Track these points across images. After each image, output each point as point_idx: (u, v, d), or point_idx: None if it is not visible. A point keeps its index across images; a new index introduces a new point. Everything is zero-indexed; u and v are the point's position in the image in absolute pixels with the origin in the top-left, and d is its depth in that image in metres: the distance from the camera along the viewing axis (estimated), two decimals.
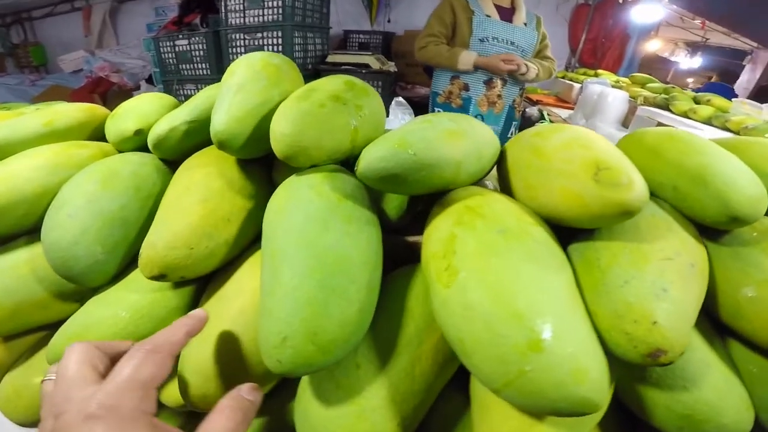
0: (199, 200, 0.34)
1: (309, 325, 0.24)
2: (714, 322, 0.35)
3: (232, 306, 0.32)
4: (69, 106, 0.53)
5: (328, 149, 0.33)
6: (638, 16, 3.10)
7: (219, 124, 0.34)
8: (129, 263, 0.39)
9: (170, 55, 1.83)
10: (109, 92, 2.59)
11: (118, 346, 0.27)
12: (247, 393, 0.27)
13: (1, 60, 3.52)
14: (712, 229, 0.35)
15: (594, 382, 0.23)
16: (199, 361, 0.31)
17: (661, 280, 0.28)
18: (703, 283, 0.32)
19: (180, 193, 0.35)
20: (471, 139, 0.34)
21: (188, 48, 1.76)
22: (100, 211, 0.36)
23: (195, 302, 0.37)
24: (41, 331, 0.44)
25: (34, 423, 0.40)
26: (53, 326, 0.42)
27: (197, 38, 1.73)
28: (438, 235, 0.30)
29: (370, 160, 0.29)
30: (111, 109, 0.53)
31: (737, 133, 1.55)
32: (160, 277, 0.31)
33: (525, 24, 1.55)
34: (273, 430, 0.38)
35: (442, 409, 0.33)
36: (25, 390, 0.40)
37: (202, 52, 1.75)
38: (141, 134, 0.43)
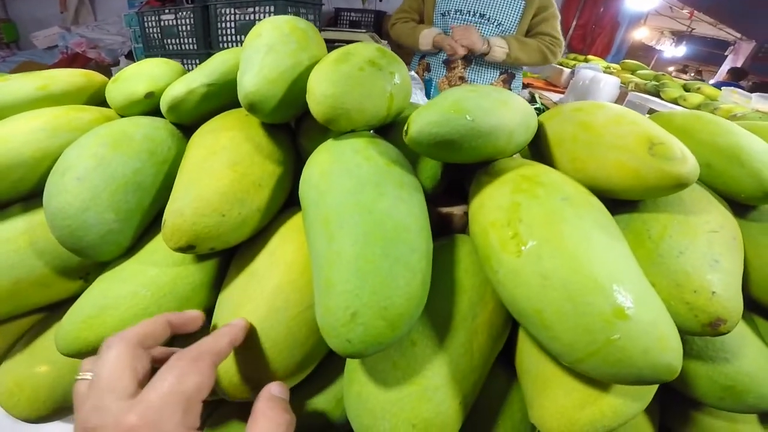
0: (228, 164, 0.31)
1: (379, 298, 0.22)
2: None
3: (267, 283, 0.30)
4: (64, 71, 0.48)
5: (368, 113, 0.31)
6: (632, 3, 3.13)
7: (251, 85, 0.31)
8: (142, 234, 0.35)
9: (155, 29, 1.74)
10: (85, 68, 2.47)
11: (163, 348, 0.25)
12: (278, 391, 0.26)
13: None
14: (740, 205, 0.36)
15: (675, 348, 0.23)
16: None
17: (712, 252, 0.29)
18: (742, 256, 0.33)
19: (205, 157, 0.31)
20: (518, 110, 0.33)
21: (175, 22, 1.68)
22: (113, 175, 0.32)
23: (221, 277, 0.34)
24: (38, 313, 0.40)
25: (39, 418, 0.36)
26: (52, 307, 0.39)
27: (185, 12, 1.65)
28: (496, 204, 0.28)
29: (423, 124, 0.27)
30: None
31: None
32: (187, 249, 0.28)
33: None
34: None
35: (487, 386, 0.32)
36: (28, 381, 0.35)
37: (189, 27, 1.67)
38: (152, 97, 0.40)
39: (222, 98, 0.39)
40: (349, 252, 0.23)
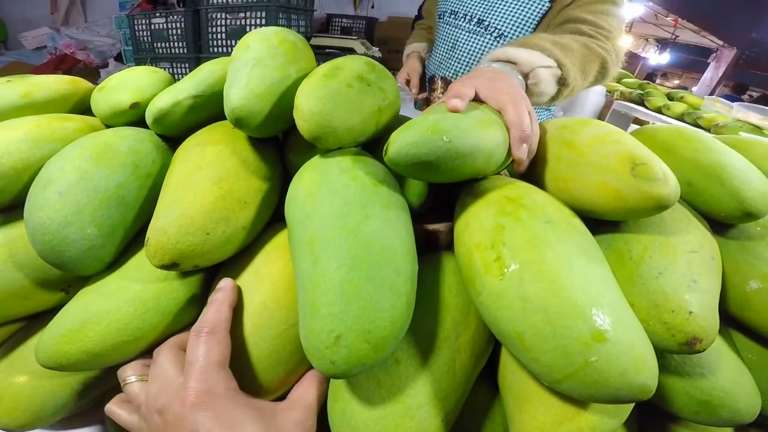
0: (213, 180, 0.31)
1: (362, 321, 0.23)
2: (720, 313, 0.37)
3: (252, 300, 0.30)
4: (48, 78, 0.48)
5: (356, 131, 0.32)
6: None
7: (237, 100, 0.31)
8: (124, 249, 0.35)
9: (145, 33, 1.73)
10: (74, 70, 2.43)
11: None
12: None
13: None
14: (719, 224, 0.37)
15: (651, 369, 0.23)
16: None
17: (690, 272, 0.29)
18: (720, 275, 0.34)
19: (190, 172, 0.31)
20: (500, 129, 0.33)
21: (165, 26, 1.67)
22: (95, 189, 0.31)
23: (205, 292, 0.33)
24: (17, 323, 0.39)
25: (18, 427, 0.35)
26: (32, 317, 0.38)
27: (175, 16, 1.64)
28: (480, 225, 0.29)
29: (401, 145, 0.28)
30: None
31: (708, 129, 1.63)
32: (171, 266, 0.28)
33: None
34: None
35: (471, 402, 0.32)
36: (7, 391, 0.35)
37: (179, 31, 1.67)
38: (138, 108, 0.39)
39: (209, 110, 0.39)
40: (334, 276, 0.24)
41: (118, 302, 0.30)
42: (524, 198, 0.29)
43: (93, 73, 2.38)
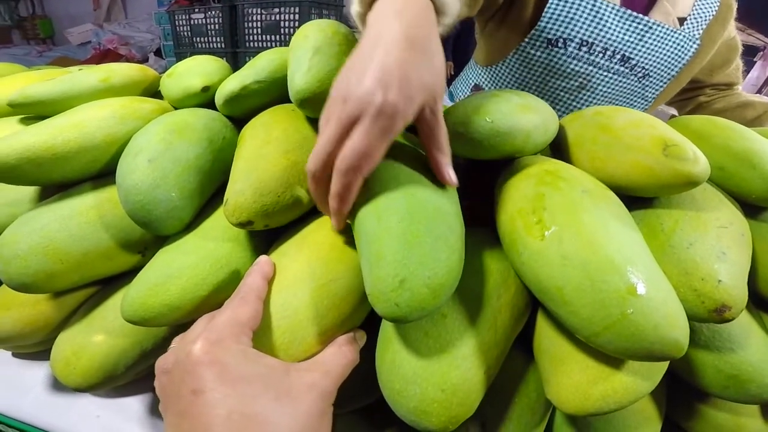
0: (281, 152, 0.34)
1: (423, 268, 0.25)
2: (750, 294, 0.37)
3: (296, 258, 0.33)
4: (122, 65, 0.53)
5: None
6: None
7: (302, 83, 0.35)
8: (199, 213, 0.39)
9: (185, 28, 1.81)
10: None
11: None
12: (360, 337, 0.32)
13: (8, 32, 3.47)
14: (751, 207, 0.39)
15: (682, 326, 0.25)
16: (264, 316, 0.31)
17: (720, 245, 0.31)
18: (750, 252, 0.35)
19: (260, 146, 0.35)
20: (538, 114, 0.36)
21: (204, 21, 1.75)
22: (178, 158, 0.36)
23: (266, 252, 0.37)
24: (91, 287, 0.44)
25: (90, 387, 0.38)
26: (104, 282, 0.43)
27: (214, 12, 1.72)
28: (522, 194, 0.32)
29: (450, 124, 0.31)
30: None
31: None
32: (246, 224, 0.32)
33: (682, 21, 0.72)
34: None
35: (507, 368, 0.35)
36: (85, 350, 0.38)
37: (217, 26, 1.74)
38: (208, 91, 0.44)
39: (270, 94, 0.43)
40: (397, 228, 0.26)
41: (196, 259, 0.34)
42: (562, 171, 0.32)
43: None
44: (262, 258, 0.32)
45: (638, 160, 0.32)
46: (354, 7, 0.34)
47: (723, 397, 0.34)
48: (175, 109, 0.47)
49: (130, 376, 0.41)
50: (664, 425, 0.39)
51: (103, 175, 0.41)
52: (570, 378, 0.29)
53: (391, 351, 0.31)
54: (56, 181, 0.40)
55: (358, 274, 0.31)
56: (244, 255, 0.36)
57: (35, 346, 0.46)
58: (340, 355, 0.29)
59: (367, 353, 0.33)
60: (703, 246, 0.30)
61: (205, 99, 0.45)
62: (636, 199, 0.35)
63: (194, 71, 0.46)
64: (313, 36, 0.40)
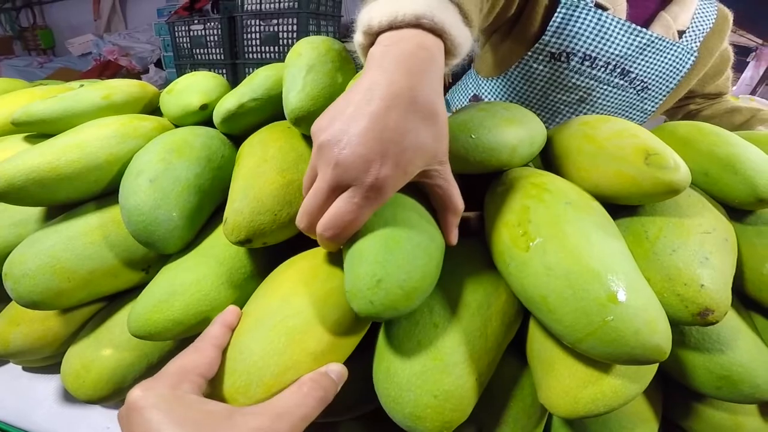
0: (277, 171, 0.36)
1: (400, 271, 0.26)
2: (740, 296, 0.38)
3: (263, 301, 0.33)
4: (122, 82, 0.54)
5: None
6: None
7: (296, 102, 0.37)
8: (200, 231, 0.40)
9: (185, 39, 1.83)
10: (117, 75, 2.59)
11: None
12: (334, 373, 0.29)
13: (9, 42, 3.51)
14: (738, 211, 0.39)
15: (663, 331, 0.26)
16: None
17: (703, 250, 0.32)
18: (734, 256, 0.36)
19: (257, 164, 0.37)
20: (523, 127, 0.37)
21: (203, 33, 1.77)
22: (178, 178, 0.37)
23: (269, 269, 0.37)
24: (98, 303, 0.45)
25: (100, 399, 0.39)
26: (111, 298, 0.44)
27: (212, 23, 1.74)
28: (509, 207, 0.33)
29: None
30: None
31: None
32: (245, 242, 0.33)
33: (680, 34, 0.72)
34: None
35: (502, 373, 0.36)
36: (94, 364, 0.39)
37: (216, 37, 1.76)
38: (206, 109, 0.45)
39: (266, 111, 0.44)
40: (381, 232, 0.28)
41: (199, 276, 0.35)
42: (548, 184, 0.33)
43: (135, 78, 2.52)
44: (230, 307, 0.32)
45: (621, 169, 0.33)
46: (357, 37, 0.32)
47: (717, 397, 0.35)
48: (175, 126, 0.48)
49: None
50: (664, 425, 0.39)
51: (107, 194, 0.43)
52: (560, 382, 0.30)
53: (387, 360, 0.32)
54: (61, 201, 0.42)
55: (324, 306, 0.31)
56: (246, 270, 0.37)
57: (45, 360, 0.47)
58: (299, 395, 0.27)
59: (366, 363, 0.34)
60: (686, 252, 0.31)
61: (203, 117, 0.46)
62: (622, 207, 0.36)
63: (193, 88, 0.47)
64: (306, 54, 0.42)
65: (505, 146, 0.34)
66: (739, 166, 0.37)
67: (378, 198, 0.26)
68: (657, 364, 0.32)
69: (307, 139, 0.41)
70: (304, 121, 0.37)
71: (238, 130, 0.44)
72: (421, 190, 0.32)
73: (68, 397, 0.46)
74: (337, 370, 0.29)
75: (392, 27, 0.28)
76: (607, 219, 0.32)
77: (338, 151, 0.24)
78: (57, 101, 0.48)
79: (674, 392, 0.39)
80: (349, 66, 0.45)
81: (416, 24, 0.28)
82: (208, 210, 0.40)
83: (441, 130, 0.27)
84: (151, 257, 0.42)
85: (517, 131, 0.36)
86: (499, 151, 0.34)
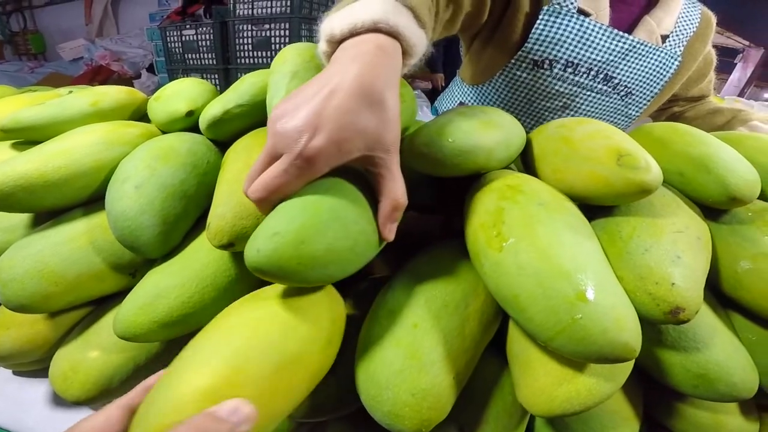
0: None
1: (303, 235, 0.26)
2: (716, 294, 0.39)
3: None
4: (110, 89, 0.55)
5: None
6: None
7: None
8: (186, 236, 0.41)
9: (177, 44, 1.83)
10: (109, 80, 2.59)
11: None
12: (229, 414, 0.22)
13: (0, 47, 3.49)
14: (713, 210, 0.40)
15: (632, 329, 0.27)
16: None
17: (675, 249, 0.32)
18: (707, 255, 0.36)
19: (241, 170, 0.37)
20: (501, 130, 0.38)
21: (195, 38, 1.77)
22: (163, 184, 0.38)
23: (251, 275, 0.38)
24: (86, 307, 0.46)
25: (88, 400, 0.40)
26: (99, 302, 0.44)
27: (204, 28, 1.74)
28: (484, 209, 0.34)
29: (415, 145, 0.34)
30: None
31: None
32: (228, 246, 0.34)
33: (664, 38, 0.72)
34: None
35: (483, 372, 0.37)
36: (81, 365, 0.40)
37: (208, 42, 1.76)
38: (192, 115, 0.46)
39: (252, 117, 0.45)
40: (306, 198, 0.28)
41: (183, 279, 0.36)
42: (522, 186, 0.34)
43: (127, 84, 2.50)
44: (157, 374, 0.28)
45: (594, 170, 0.34)
46: (321, 46, 0.35)
47: (694, 396, 0.35)
48: (163, 132, 0.49)
49: (127, 390, 0.42)
50: (648, 424, 0.40)
51: (94, 200, 0.43)
52: (536, 381, 0.31)
53: (367, 359, 0.33)
54: (49, 207, 0.42)
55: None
56: (230, 274, 0.37)
57: (34, 364, 0.47)
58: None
59: (348, 364, 0.34)
60: (658, 251, 0.32)
61: (190, 123, 0.47)
62: (598, 207, 0.37)
63: (180, 95, 0.48)
64: (290, 60, 0.42)
65: (482, 149, 0.35)
66: (712, 165, 0.38)
67: (308, 168, 0.27)
68: (632, 363, 0.32)
69: None
70: None
71: (224, 135, 0.45)
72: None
73: (59, 400, 0.46)
74: (232, 407, 0.22)
75: (353, 34, 0.31)
76: (581, 219, 0.33)
77: (278, 125, 0.27)
78: (45, 108, 0.49)
79: (656, 391, 0.39)
80: None
81: (374, 29, 0.31)
82: (193, 215, 0.41)
83: (388, 118, 0.29)
84: (137, 261, 0.42)
85: (493, 134, 0.36)
86: (476, 155, 0.35)
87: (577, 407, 0.29)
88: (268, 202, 0.28)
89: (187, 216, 0.40)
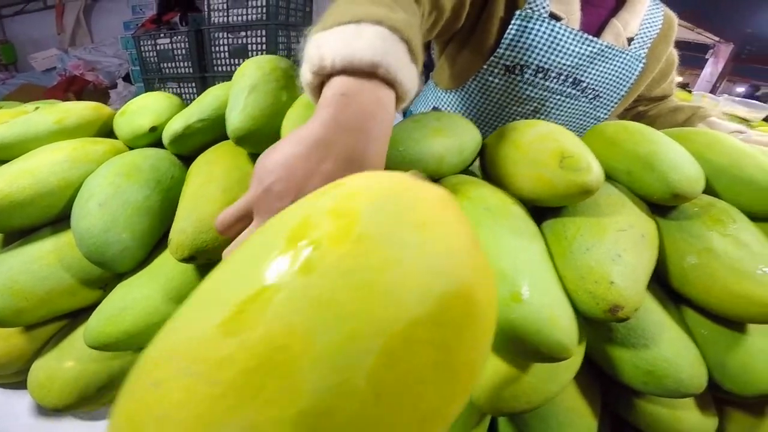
0: (221, 190, 0.38)
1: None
2: (669, 290, 0.40)
3: None
4: (77, 105, 0.55)
5: None
6: None
7: (237, 122, 0.38)
8: (153, 250, 0.42)
9: (151, 53, 1.81)
10: (84, 90, 2.53)
11: None
12: None
13: None
14: (663, 207, 0.41)
15: (566, 328, 0.28)
16: None
17: (616, 248, 0.33)
18: (653, 251, 0.37)
19: (202, 184, 0.38)
20: (453, 137, 0.39)
21: (170, 46, 1.75)
22: (127, 201, 0.39)
23: None
24: (61, 320, 0.46)
25: (67, 407, 0.41)
26: (74, 315, 0.45)
27: (179, 37, 1.73)
28: None
29: None
30: None
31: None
32: (190, 259, 0.35)
33: (629, 41, 0.73)
34: None
35: None
36: (58, 374, 0.41)
37: (184, 51, 1.75)
38: (156, 131, 0.47)
39: (215, 131, 0.46)
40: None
41: (149, 291, 0.37)
42: (470, 191, 0.36)
43: (103, 94, 2.46)
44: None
45: (540, 173, 0.35)
46: (305, 75, 0.30)
47: (646, 392, 0.35)
48: (129, 148, 0.50)
49: (106, 398, 0.43)
50: (613, 419, 0.41)
51: (61, 219, 0.44)
52: (486, 379, 0.32)
53: None
54: (16, 227, 0.43)
55: None
56: (193, 287, 0.38)
57: (14, 377, 0.48)
58: None
59: None
60: (599, 250, 0.33)
61: (154, 138, 0.47)
62: (548, 209, 0.39)
63: (144, 110, 0.49)
64: (250, 74, 0.43)
65: (432, 156, 0.36)
66: (657, 163, 0.39)
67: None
68: (577, 362, 0.34)
69: (253, 157, 0.43)
70: (245, 141, 0.39)
71: (188, 150, 0.46)
72: None
73: (42, 410, 0.46)
74: None
75: (346, 71, 0.28)
76: (526, 222, 0.35)
77: (266, 184, 0.27)
78: (9, 127, 0.49)
79: (618, 387, 0.39)
80: (295, 84, 0.47)
81: (372, 73, 0.28)
82: (159, 230, 0.42)
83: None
84: (107, 276, 0.43)
85: (444, 141, 0.38)
86: (426, 162, 0.36)
87: (525, 405, 0.31)
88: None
89: (152, 231, 0.41)
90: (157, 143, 0.49)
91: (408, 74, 0.30)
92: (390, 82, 0.29)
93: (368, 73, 0.28)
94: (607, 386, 0.41)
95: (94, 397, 0.42)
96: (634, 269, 0.33)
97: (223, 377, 0.10)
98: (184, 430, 0.10)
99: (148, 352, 0.13)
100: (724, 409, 0.41)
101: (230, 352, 0.10)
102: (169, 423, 0.11)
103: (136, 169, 0.41)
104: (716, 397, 0.40)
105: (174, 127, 0.44)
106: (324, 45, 0.29)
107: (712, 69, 4.28)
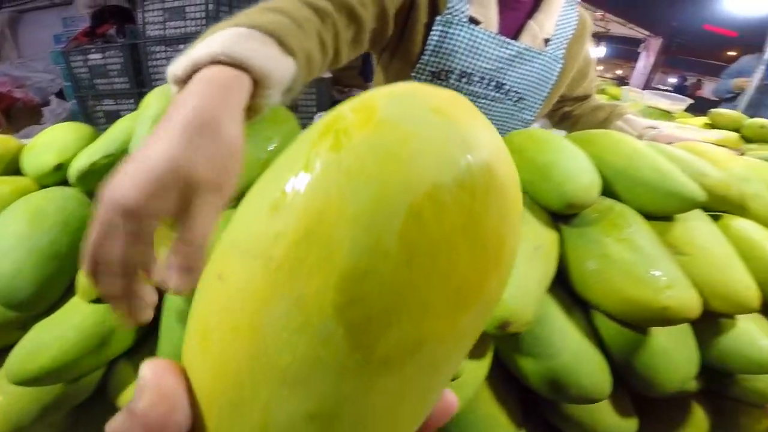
0: None
1: None
2: (573, 295, 0.41)
3: None
4: None
5: (241, 185, 0.38)
6: None
7: None
8: (68, 289, 0.41)
9: (83, 69, 1.71)
10: (13, 109, 2.36)
11: None
12: None
13: None
14: (566, 215, 0.42)
15: None
16: None
17: None
18: (549, 262, 0.38)
19: None
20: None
21: (103, 62, 1.67)
22: (32, 248, 0.38)
23: None
24: None
25: None
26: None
27: (113, 51, 1.65)
28: None
29: None
30: (17, 128, 0.52)
31: None
32: (98, 301, 0.36)
33: (546, 42, 0.75)
34: None
35: None
36: None
37: (119, 66, 1.67)
38: (62, 169, 0.45)
39: None
40: None
41: (64, 330, 0.37)
42: None
43: (35, 112, 2.31)
44: None
45: None
46: (172, 89, 0.34)
47: (556, 399, 0.36)
48: (40, 186, 0.48)
49: (47, 428, 0.44)
50: (542, 423, 0.42)
51: None
52: None
53: None
54: None
55: None
56: (107, 325, 0.39)
57: None
58: None
59: None
60: None
61: (62, 176, 0.46)
62: None
63: (51, 146, 0.47)
64: (154, 104, 0.43)
65: None
66: (553, 173, 0.40)
67: (138, 230, 0.27)
68: (478, 377, 0.36)
69: None
70: None
71: (98, 187, 0.44)
72: None
73: None
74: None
75: (195, 71, 0.32)
76: None
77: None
78: None
79: (533, 394, 0.39)
80: None
81: (215, 62, 0.31)
82: (69, 271, 0.41)
83: (222, 154, 0.28)
84: (24, 317, 0.42)
85: None
86: None
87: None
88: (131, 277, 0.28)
89: (61, 274, 0.40)
90: (66, 180, 0.47)
91: (269, 60, 0.34)
92: (236, 65, 0.32)
93: (214, 62, 0.32)
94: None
95: (29, 428, 0.41)
96: (525, 284, 0.34)
97: (276, 253, 0.11)
98: (242, 314, 0.11)
99: (213, 253, 0.13)
100: (645, 409, 0.42)
101: (280, 229, 0.11)
102: (230, 311, 0.12)
103: (40, 213, 0.41)
104: (640, 396, 0.41)
105: (78, 165, 0.43)
106: (178, 61, 0.33)
107: (645, 62, 4.57)
